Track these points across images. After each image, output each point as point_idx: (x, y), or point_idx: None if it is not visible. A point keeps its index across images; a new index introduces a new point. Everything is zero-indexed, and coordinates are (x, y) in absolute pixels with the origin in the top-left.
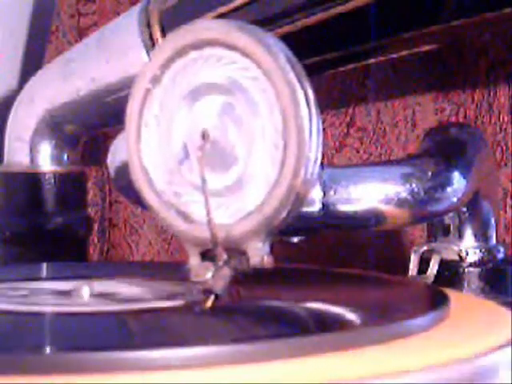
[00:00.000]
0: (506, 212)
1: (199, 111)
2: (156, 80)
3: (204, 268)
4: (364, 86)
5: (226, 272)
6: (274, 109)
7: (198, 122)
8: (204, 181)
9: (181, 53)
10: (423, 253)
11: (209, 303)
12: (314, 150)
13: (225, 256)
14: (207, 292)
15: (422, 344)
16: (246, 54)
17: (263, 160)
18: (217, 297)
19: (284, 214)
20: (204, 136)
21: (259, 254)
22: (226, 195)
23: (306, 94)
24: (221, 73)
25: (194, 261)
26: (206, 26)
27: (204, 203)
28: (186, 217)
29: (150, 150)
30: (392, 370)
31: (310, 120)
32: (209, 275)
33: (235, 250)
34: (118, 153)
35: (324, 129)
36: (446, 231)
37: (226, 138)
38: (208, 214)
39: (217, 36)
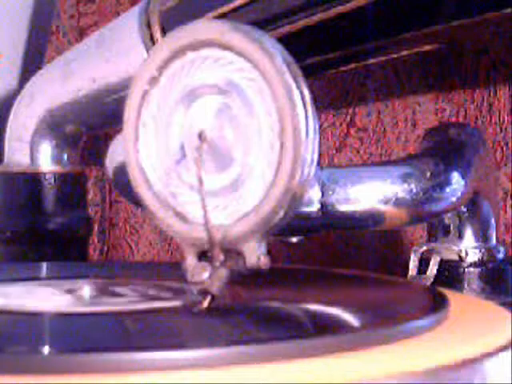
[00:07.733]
0: (506, 212)
1: (196, 112)
2: (154, 81)
3: (201, 268)
4: (364, 85)
5: (223, 273)
6: (270, 109)
7: (195, 123)
8: (201, 181)
9: (178, 54)
10: (423, 253)
11: (205, 304)
12: (310, 151)
13: (221, 256)
14: (204, 293)
15: (422, 345)
16: (242, 55)
17: (260, 160)
18: (213, 297)
19: (280, 215)
20: (201, 137)
21: (256, 254)
22: (222, 196)
23: (302, 95)
24: (218, 74)
25: (190, 261)
26: (203, 27)
27: (201, 204)
28: (183, 217)
29: (147, 150)
30: (392, 371)
31: (307, 120)
32: (205, 276)
33: (232, 251)
34: (115, 154)
35: (324, 129)
36: (446, 231)
37: (222, 139)
38: (205, 214)
39: (213, 37)
